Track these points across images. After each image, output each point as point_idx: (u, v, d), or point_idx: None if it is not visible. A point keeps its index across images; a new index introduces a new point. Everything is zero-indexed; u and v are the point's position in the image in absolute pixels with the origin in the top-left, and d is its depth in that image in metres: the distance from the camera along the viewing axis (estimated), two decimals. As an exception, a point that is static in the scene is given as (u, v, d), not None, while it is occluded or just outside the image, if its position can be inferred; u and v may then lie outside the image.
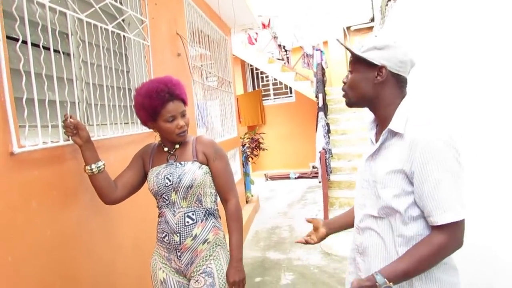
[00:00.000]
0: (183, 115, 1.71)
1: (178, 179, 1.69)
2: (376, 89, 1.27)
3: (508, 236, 1.69)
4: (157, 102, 1.63)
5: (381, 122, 1.33)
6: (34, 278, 1.43)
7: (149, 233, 2.29)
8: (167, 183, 1.70)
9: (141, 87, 1.70)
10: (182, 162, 1.74)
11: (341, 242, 4.66)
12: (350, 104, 1.37)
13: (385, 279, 1.15)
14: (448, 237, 1.15)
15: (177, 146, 1.79)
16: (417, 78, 2.99)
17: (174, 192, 1.71)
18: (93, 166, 1.61)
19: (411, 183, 1.20)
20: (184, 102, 1.74)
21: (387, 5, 5.36)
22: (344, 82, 1.35)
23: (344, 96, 1.37)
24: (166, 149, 1.79)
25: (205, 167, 1.76)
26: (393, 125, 1.23)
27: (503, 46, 1.67)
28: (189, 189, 1.69)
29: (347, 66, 1.31)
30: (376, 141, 1.34)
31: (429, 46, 2.79)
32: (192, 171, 1.70)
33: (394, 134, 1.24)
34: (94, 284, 1.82)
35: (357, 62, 1.29)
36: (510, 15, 1.61)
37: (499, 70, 1.71)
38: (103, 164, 1.65)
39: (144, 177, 1.84)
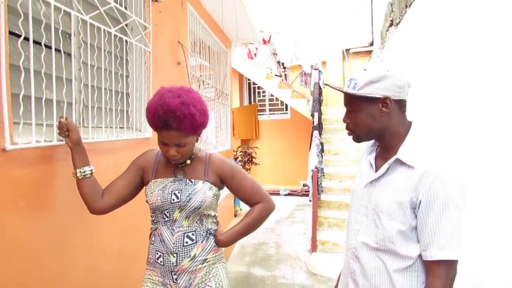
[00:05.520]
0: (179, 145, 1.53)
1: (188, 198, 1.56)
2: (382, 120, 1.25)
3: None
4: (152, 123, 1.52)
5: (385, 149, 1.32)
6: (13, 281, 1.38)
7: (133, 241, 2.26)
8: (173, 200, 1.56)
9: (154, 95, 1.54)
10: (193, 180, 1.62)
11: (327, 263, 4.63)
12: (359, 140, 1.33)
13: None
14: (445, 278, 1.13)
15: (188, 161, 1.65)
16: (418, 103, 3.03)
17: (179, 210, 1.57)
18: (77, 170, 1.52)
19: (415, 215, 1.18)
20: (189, 133, 1.52)
21: (387, 30, 5.45)
22: (346, 122, 1.33)
23: (350, 134, 1.34)
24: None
25: (215, 189, 1.65)
26: (402, 155, 1.22)
27: (501, 72, 1.71)
28: (196, 210, 1.58)
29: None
30: (377, 166, 1.33)
31: (428, 71, 2.83)
32: (202, 192, 1.59)
33: (401, 163, 1.23)
34: (75, 289, 1.77)
35: (356, 100, 1.27)
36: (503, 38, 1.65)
37: (495, 94, 1.74)
38: (90, 171, 1.55)
39: (138, 188, 1.70)
